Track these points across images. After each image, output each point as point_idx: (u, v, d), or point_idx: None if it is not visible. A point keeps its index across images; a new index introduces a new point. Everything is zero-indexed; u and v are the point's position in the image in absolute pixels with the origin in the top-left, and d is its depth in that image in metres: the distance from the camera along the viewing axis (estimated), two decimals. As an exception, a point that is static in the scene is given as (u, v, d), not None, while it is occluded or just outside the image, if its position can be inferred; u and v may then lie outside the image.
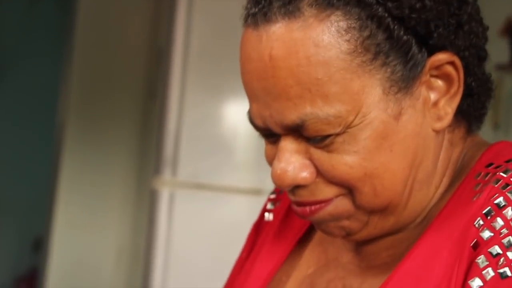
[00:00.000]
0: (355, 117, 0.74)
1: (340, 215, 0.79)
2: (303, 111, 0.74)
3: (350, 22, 0.73)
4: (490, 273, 0.70)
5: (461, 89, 0.78)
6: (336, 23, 0.73)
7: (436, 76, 0.78)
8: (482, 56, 0.81)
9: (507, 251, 0.71)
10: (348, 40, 0.73)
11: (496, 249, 0.71)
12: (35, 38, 4.69)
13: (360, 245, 0.86)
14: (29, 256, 4.62)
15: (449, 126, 0.81)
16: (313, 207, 0.79)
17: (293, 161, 0.77)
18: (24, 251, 4.66)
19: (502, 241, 0.71)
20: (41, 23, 4.71)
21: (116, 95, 3.50)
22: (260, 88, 0.76)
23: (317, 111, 0.74)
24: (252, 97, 0.78)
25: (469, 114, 0.82)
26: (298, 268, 0.91)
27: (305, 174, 0.77)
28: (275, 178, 0.78)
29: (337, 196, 0.78)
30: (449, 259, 0.74)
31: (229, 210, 2.79)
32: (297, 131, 0.76)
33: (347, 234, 0.82)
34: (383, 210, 0.79)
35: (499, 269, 0.70)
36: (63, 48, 3.81)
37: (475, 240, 0.73)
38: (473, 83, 0.81)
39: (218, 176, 2.77)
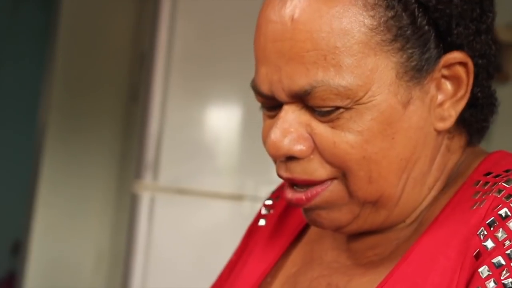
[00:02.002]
0: (365, 94, 0.74)
1: (335, 202, 0.78)
2: (315, 77, 0.74)
3: None
4: (492, 283, 0.70)
5: (467, 94, 0.79)
6: None
7: (446, 78, 0.79)
8: (490, 72, 0.82)
9: (511, 262, 0.71)
10: (373, 16, 0.74)
11: (500, 260, 0.71)
12: (18, 39, 4.67)
13: (346, 243, 0.85)
14: (8, 259, 4.58)
15: (449, 132, 0.82)
16: (309, 194, 0.78)
17: (292, 131, 0.77)
18: (2, 255, 4.62)
19: (506, 252, 0.71)
20: (24, 24, 4.68)
21: (98, 98, 3.48)
22: (274, 50, 0.76)
23: (328, 80, 0.74)
24: (262, 61, 0.78)
25: (471, 124, 0.83)
26: (284, 269, 0.90)
27: (301, 146, 0.77)
28: (269, 146, 0.77)
29: (331, 180, 0.78)
30: (447, 266, 0.73)
31: (209, 215, 2.78)
32: (303, 100, 0.76)
33: (337, 227, 0.81)
34: (375, 202, 0.78)
35: (503, 280, 0.70)
36: (46, 50, 3.79)
37: (478, 250, 0.73)
38: (479, 94, 0.81)
39: (199, 181, 2.76)
